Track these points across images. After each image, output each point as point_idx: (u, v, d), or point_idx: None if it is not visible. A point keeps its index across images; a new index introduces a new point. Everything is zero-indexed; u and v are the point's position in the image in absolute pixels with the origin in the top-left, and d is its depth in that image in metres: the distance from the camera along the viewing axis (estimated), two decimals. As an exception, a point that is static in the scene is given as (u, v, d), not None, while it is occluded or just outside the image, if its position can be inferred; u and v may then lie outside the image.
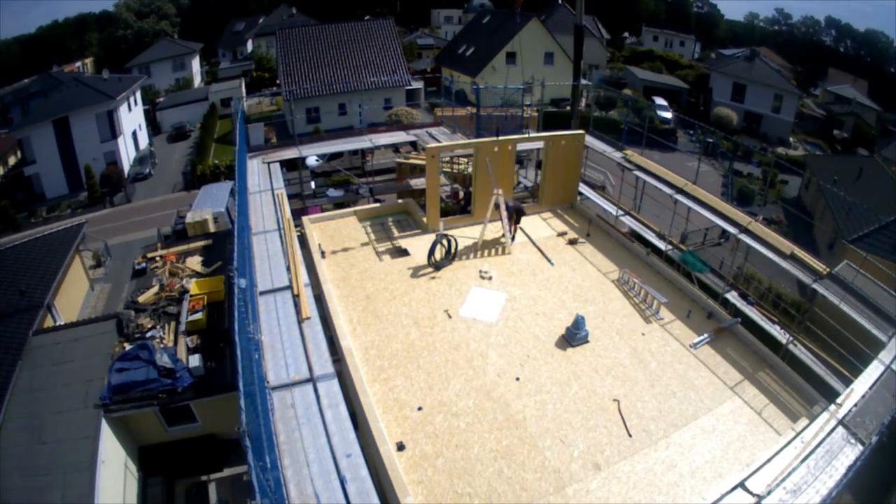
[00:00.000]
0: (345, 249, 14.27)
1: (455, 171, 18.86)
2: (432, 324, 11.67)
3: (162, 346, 12.26)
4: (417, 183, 16.15)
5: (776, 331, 11.55)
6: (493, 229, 14.99)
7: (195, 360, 11.48)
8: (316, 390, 8.29)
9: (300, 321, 9.96)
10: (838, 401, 8.79)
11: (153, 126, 49.97)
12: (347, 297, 12.38)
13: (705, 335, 11.39)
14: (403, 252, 14.43)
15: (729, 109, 49.79)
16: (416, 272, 13.58)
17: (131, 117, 44.04)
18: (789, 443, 8.10)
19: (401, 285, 13.02)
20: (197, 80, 63.75)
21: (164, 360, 11.41)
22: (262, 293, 10.52)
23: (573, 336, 11.13)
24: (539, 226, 16.03)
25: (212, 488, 11.79)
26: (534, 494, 8.14)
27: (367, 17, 58.18)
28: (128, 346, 12.27)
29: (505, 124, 19.17)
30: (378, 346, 10.90)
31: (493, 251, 14.50)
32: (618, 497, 8.12)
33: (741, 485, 7.41)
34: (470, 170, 16.81)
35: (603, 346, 11.17)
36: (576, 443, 8.98)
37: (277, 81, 53.79)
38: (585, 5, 22.00)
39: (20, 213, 35.56)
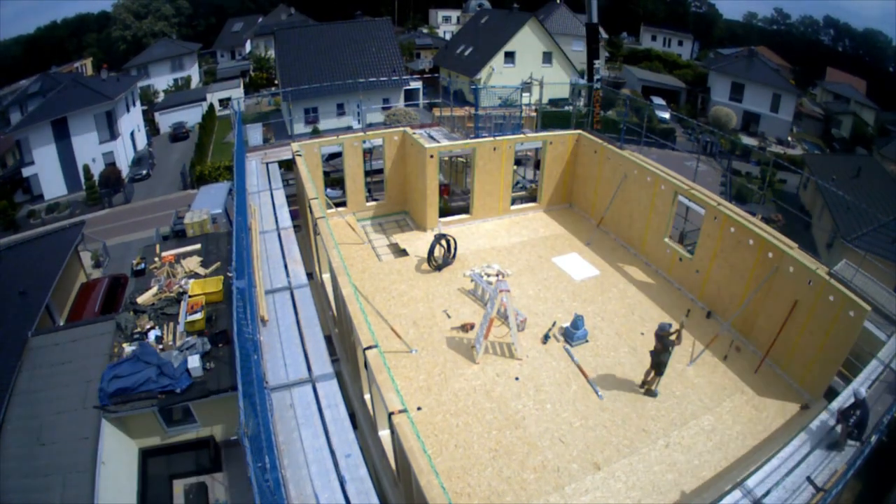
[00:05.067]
0: (344, 249, 14.26)
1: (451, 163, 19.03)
2: (431, 324, 11.67)
3: (160, 346, 12.26)
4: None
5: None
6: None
7: (194, 361, 11.47)
8: (315, 390, 8.29)
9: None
10: (838, 400, 8.80)
11: (151, 127, 49.93)
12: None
13: (699, 352, 11.17)
14: (403, 252, 14.44)
15: (728, 109, 49.83)
16: (415, 272, 13.59)
17: (130, 118, 44.01)
18: (789, 442, 8.11)
19: (400, 285, 13.02)
20: (195, 81, 63.66)
21: (162, 359, 11.42)
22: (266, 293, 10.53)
23: (572, 335, 11.13)
24: (537, 226, 16.04)
25: (211, 488, 11.77)
26: (533, 494, 8.14)
27: (366, 18, 58.10)
28: (127, 347, 12.25)
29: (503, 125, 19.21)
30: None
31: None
32: (617, 496, 8.13)
33: (741, 484, 7.42)
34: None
35: (602, 346, 11.18)
36: (575, 442, 8.99)
37: (276, 81, 53.77)
38: (582, 5, 21.88)
39: (19, 213, 35.56)
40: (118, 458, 11.00)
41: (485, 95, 21.84)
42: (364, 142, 15.59)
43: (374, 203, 16.55)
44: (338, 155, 17.37)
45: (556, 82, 23.94)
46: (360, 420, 9.77)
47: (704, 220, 12.31)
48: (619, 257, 14.40)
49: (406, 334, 11.23)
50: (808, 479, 7.35)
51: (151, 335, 12.58)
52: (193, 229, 17.12)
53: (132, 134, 44.15)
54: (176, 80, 61.21)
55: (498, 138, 15.31)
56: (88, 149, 38.68)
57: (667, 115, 47.55)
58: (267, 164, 16.40)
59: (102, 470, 10.06)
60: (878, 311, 10.65)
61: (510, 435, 9.08)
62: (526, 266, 13.92)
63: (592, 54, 22.15)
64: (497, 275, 13.25)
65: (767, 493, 7.19)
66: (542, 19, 53.93)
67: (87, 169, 37.07)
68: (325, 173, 17.34)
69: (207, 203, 20.94)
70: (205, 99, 52.78)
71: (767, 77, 50.75)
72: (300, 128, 42.42)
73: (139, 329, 12.82)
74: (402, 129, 15.84)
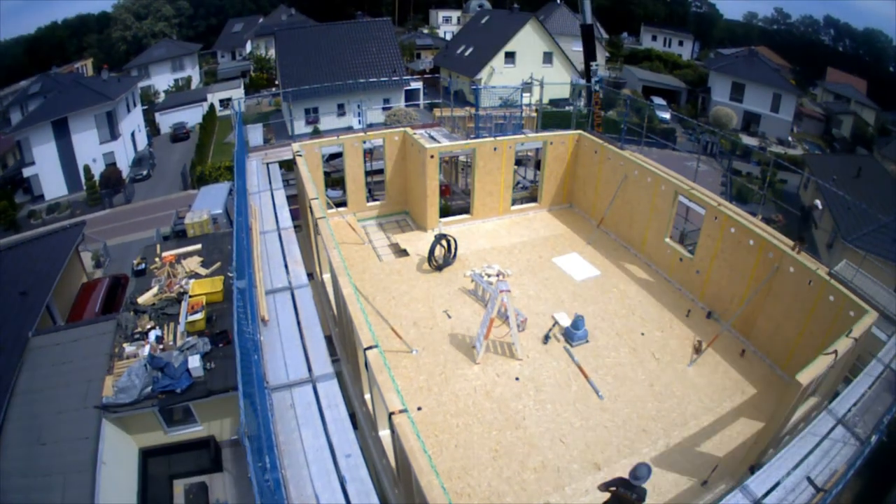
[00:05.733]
0: (344, 249, 14.26)
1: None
2: (432, 324, 11.67)
3: (161, 346, 12.26)
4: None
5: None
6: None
7: (195, 361, 11.47)
8: (315, 391, 8.29)
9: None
10: (838, 399, 8.80)
11: (152, 127, 49.97)
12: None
13: (696, 355, 11.16)
14: (403, 252, 14.45)
15: (728, 109, 49.84)
16: (416, 272, 13.59)
17: (130, 118, 44.07)
18: (789, 442, 8.11)
19: (401, 285, 13.02)
20: (196, 81, 63.73)
21: (161, 363, 11.43)
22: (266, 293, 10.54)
23: (572, 336, 11.13)
24: (538, 226, 16.04)
25: (211, 489, 11.77)
26: (533, 494, 8.14)
27: (366, 18, 58.15)
28: (127, 347, 12.26)
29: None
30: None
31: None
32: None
33: (741, 485, 7.41)
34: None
35: (602, 346, 11.18)
36: (575, 442, 8.99)
37: (276, 82, 53.82)
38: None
39: (20, 213, 35.61)
40: (119, 458, 11.00)
41: (485, 96, 21.85)
42: (364, 142, 15.60)
43: (374, 203, 16.56)
44: (338, 155, 17.39)
45: (557, 82, 23.85)
46: (361, 420, 9.78)
47: (705, 221, 12.31)
48: (620, 257, 14.40)
49: (406, 335, 11.23)
50: (808, 479, 7.34)
51: (152, 335, 12.59)
52: (194, 229, 17.13)
53: (133, 134, 44.20)
54: (176, 81, 61.29)
55: (498, 139, 15.32)
56: (89, 149, 38.74)
57: (667, 116, 47.57)
58: (267, 164, 16.42)
59: (103, 470, 10.06)
60: (878, 310, 10.64)
61: (510, 435, 9.08)
62: (526, 266, 13.92)
63: (590, 55, 22.13)
64: (497, 275, 13.26)
65: (767, 493, 7.19)
66: (542, 19, 53.94)
67: (87, 169, 37.12)
68: (326, 173, 17.36)
69: (208, 203, 20.96)
70: (205, 99, 52.84)
71: (768, 77, 50.76)
72: (301, 128, 42.45)
73: (140, 329, 12.83)
74: (402, 129, 15.84)
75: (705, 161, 40.30)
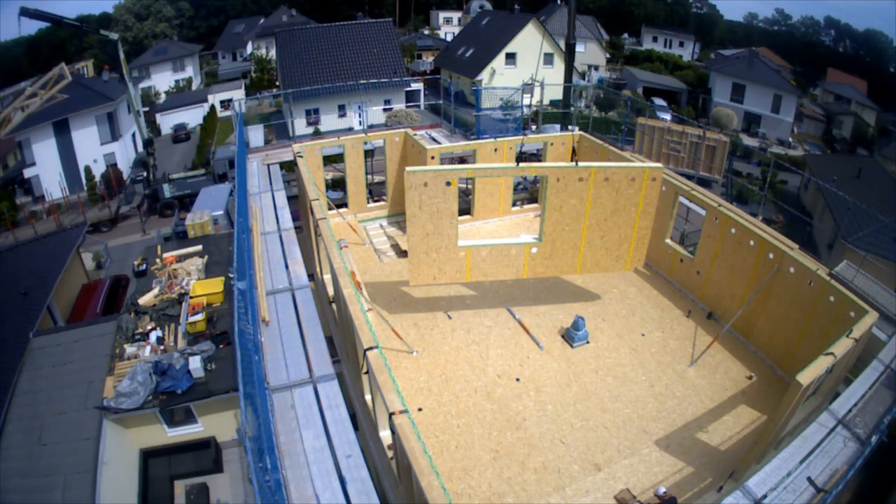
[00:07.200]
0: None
1: None
2: (432, 325, 11.68)
3: (161, 348, 12.28)
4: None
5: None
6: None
7: (195, 362, 11.48)
8: (316, 391, 8.31)
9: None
10: (838, 400, 8.81)
11: (153, 128, 49.97)
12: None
13: (700, 353, 11.15)
14: (404, 253, 14.45)
15: (729, 109, 49.85)
16: (415, 273, 13.59)
17: (131, 119, 44.09)
18: (789, 442, 8.12)
19: (401, 286, 13.03)
20: (196, 82, 63.78)
21: (163, 365, 11.44)
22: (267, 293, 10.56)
23: (573, 336, 11.14)
24: (539, 227, 16.03)
25: (212, 489, 11.78)
26: (534, 495, 8.15)
27: (367, 19, 58.19)
28: (128, 347, 12.28)
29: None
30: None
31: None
32: (618, 497, 8.13)
33: (741, 485, 7.42)
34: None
35: (603, 347, 11.18)
36: (575, 443, 8.99)
37: (277, 83, 53.85)
38: (584, 7, 21.82)
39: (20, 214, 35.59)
40: (119, 458, 11.02)
41: (486, 97, 21.82)
42: (365, 143, 15.61)
43: (375, 204, 16.56)
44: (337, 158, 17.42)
45: (557, 83, 23.80)
46: (361, 421, 9.79)
47: (705, 221, 12.31)
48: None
49: (407, 335, 11.24)
50: (809, 479, 7.36)
51: (153, 336, 12.60)
52: (195, 230, 17.15)
53: (133, 135, 44.21)
54: (177, 82, 61.33)
55: (498, 139, 15.34)
56: (89, 150, 38.76)
57: (668, 117, 47.59)
58: (268, 165, 16.44)
59: (104, 471, 10.08)
60: (878, 311, 10.65)
61: (511, 436, 9.09)
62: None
63: (569, 70, 21.08)
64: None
65: (768, 493, 7.19)
66: (543, 20, 53.96)
67: (88, 170, 37.13)
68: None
69: (209, 205, 20.98)
70: (206, 100, 52.85)
71: (768, 78, 50.77)
72: (301, 129, 42.47)
73: (140, 330, 12.84)
74: (403, 130, 15.85)
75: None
